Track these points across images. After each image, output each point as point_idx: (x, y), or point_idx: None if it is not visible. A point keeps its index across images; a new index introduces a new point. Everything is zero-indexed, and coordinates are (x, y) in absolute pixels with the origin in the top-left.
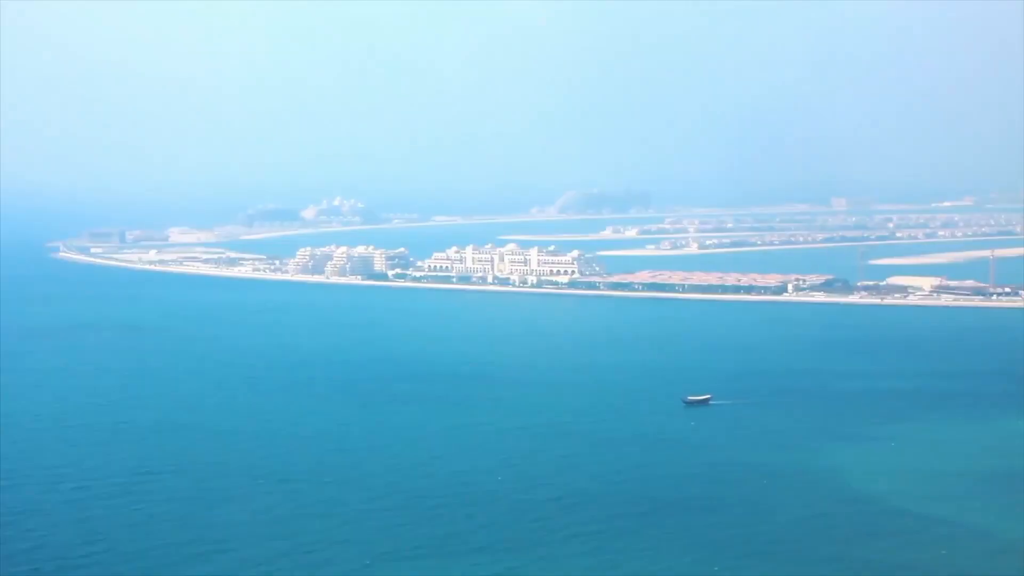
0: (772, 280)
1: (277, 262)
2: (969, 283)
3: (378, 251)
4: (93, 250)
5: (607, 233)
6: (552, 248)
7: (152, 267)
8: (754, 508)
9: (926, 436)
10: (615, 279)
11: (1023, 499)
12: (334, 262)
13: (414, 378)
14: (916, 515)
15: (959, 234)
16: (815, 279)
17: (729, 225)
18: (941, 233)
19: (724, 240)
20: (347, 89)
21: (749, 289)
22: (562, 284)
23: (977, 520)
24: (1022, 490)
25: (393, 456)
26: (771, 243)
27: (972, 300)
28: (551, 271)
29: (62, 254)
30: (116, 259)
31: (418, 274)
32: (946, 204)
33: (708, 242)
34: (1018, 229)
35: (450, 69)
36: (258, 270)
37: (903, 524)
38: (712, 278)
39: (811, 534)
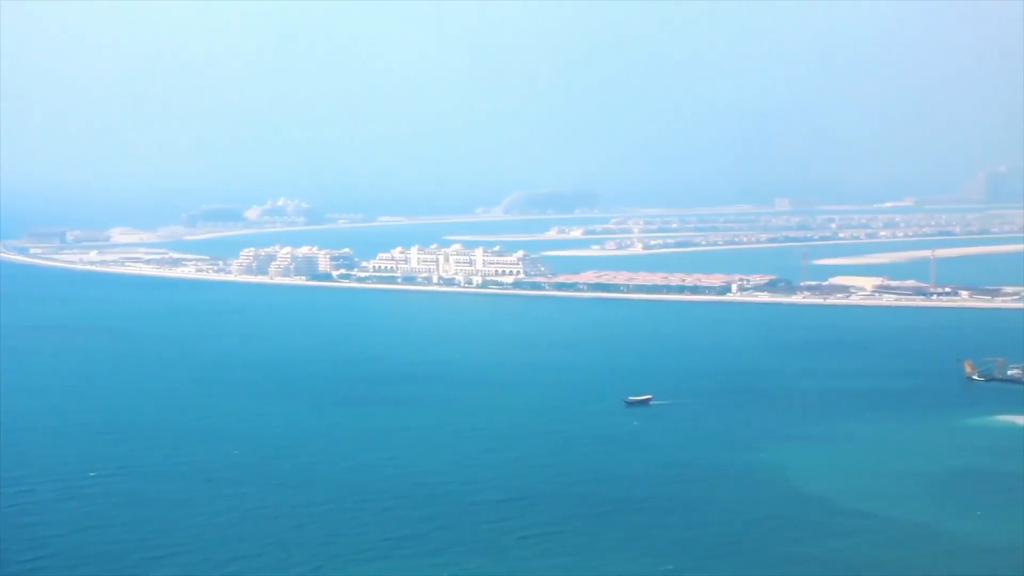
0: (716, 280)
1: (220, 262)
2: (910, 283)
3: (322, 251)
4: (33, 250)
5: (552, 234)
6: (497, 248)
7: (93, 268)
8: (707, 508)
9: (872, 435)
10: (560, 279)
11: (973, 498)
12: (278, 262)
13: (365, 379)
14: (865, 514)
15: (900, 235)
16: (759, 279)
17: (674, 225)
18: (883, 233)
19: (669, 240)
20: (292, 89)
21: (694, 289)
22: (507, 284)
23: (928, 519)
24: (972, 489)
25: (346, 458)
26: (715, 243)
27: (913, 300)
28: (496, 271)
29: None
30: (56, 260)
31: (363, 274)
32: (887, 205)
33: (653, 242)
34: (957, 230)
35: (398, 69)
36: (201, 271)
37: (854, 524)
38: (657, 278)
39: (765, 534)
